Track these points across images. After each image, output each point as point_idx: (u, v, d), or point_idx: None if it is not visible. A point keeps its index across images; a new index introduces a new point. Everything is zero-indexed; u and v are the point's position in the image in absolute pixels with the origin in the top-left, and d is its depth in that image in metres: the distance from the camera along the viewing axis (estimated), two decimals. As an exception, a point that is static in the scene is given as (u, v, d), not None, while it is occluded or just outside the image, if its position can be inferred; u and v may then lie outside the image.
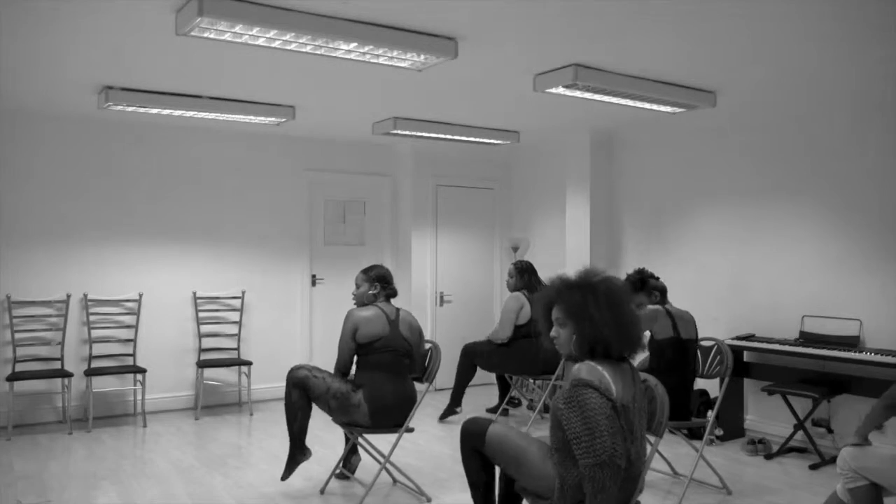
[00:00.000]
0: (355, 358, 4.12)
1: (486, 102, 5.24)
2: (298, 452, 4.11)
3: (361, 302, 4.22)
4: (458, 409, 6.02)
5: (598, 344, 2.53)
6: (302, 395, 4.02)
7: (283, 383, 4.16)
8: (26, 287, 5.76)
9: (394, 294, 4.29)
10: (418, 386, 4.26)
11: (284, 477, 4.16)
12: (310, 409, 4.07)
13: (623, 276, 5.06)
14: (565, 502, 2.52)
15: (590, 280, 2.62)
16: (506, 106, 5.37)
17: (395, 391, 4.01)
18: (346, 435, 4.42)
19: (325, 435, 5.22)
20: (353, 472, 4.46)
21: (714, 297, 5.90)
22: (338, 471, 4.41)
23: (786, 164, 5.48)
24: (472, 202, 7.70)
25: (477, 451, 2.91)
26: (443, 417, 6.00)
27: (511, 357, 5.84)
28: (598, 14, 3.31)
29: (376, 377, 3.99)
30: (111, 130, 6.06)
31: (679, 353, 4.28)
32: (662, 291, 4.49)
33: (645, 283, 4.48)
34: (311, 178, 7.01)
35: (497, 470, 2.96)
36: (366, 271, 4.29)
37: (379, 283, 4.23)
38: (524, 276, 5.96)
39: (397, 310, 4.22)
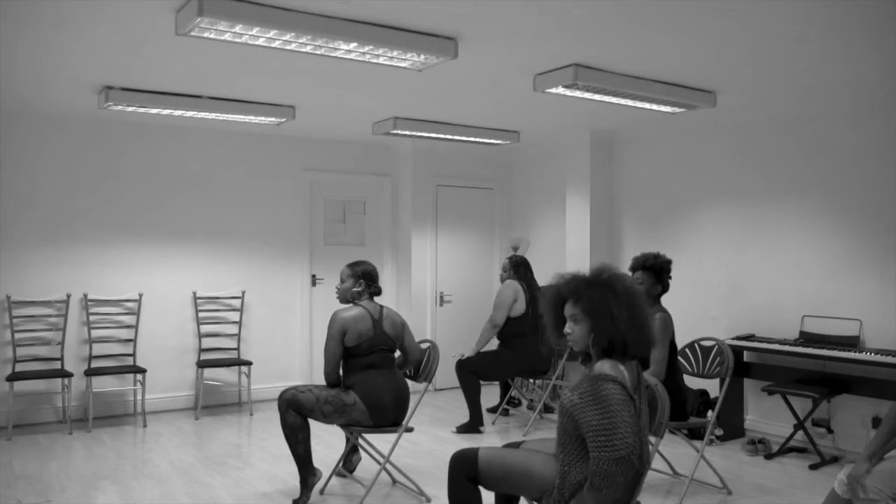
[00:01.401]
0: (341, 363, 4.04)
1: (486, 102, 5.24)
2: (309, 475, 4.00)
3: (345, 298, 4.16)
4: (481, 429, 5.68)
5: (617, 342, 2.53)
6: (297, 414, 3.92)
7: (283, 383, 4.18)
8: (26, 287, 5.76)
9: (378, 292, 4.19)
10: (418, 385, 4.25)
11: (303, 502, 4.00)
12: (308, 427, 3.96)
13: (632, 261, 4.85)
14: (563, 498, 2.52)
15: (606, 277, 2.62)
16: (506, 106, 5.37)
17: (386, 385, 3.99)
18: (346, 435, 4.42)
19: (325, 435, 5.22)
20: (352, 470, 4.45)
21: (714, 297, 5.90)
22: (337, 469, 4.40)
23: (786, 164, 5.48)
24: (472, 202, 7.70)
25: (467, 480, 2.80)
26: (461, 431, 5.67)
27: (513, 360, 5.79)
28: (598, 14, 3.31)
29: (367, 375, 3.98)
30: (111, 130, 6.07)
31: (673, 355, 4.28)
32: (665, 291, 4.43)
33: (661, 273, 4.31)
34: (311, 178, 7.01)
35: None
36: (352, 266, 4.19)
37: (364, 280, 4.15)
38: (519, 269, 5.91)
39: (381, 308, 4.15)
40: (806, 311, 5.30)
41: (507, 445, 3.02)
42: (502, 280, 6.00)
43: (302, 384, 4.06)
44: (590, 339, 2.56)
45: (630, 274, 4.39)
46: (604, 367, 2.52)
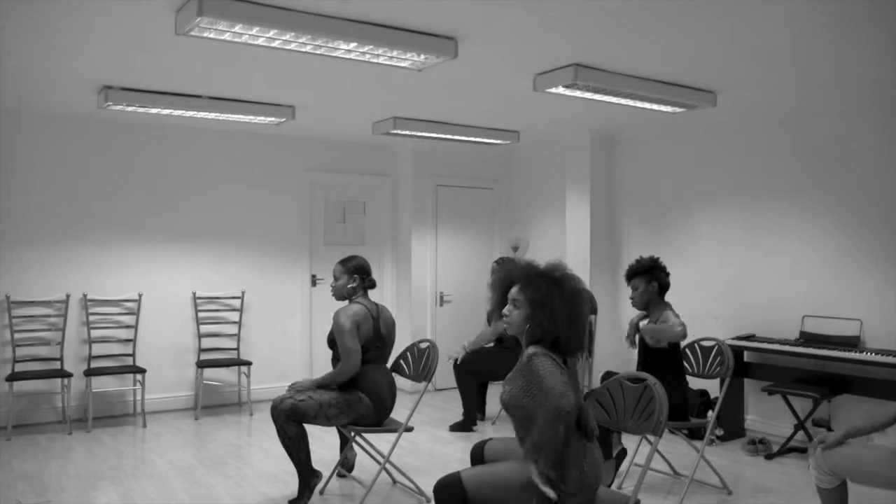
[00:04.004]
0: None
1: (486, 102, 5.24)
2: (312, 477, 4.00)
3: (340, 295, 4.14)
4: (474, 428, 5.71)
5: (550, 336, 2.61)
6: (297, 424, 3.85)
7: (283, 383, 4.16)
8: (26, 287, 5.76)
9: (373, 285, 4.19)
10: (418, 385, 4.26)
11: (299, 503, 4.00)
12: (306, 433, 3.92)
13: (621, 278, 5.11)
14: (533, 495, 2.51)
15: (558, 275, 2.69)
16: (506, 106, 5.36)
17: (384, 379, 4.06)
18: (339, 433, 4.41)
19: (325, 435, 5.21)
20: (350, 468, 4.44)
21: (714, 297, 5.90)
22: (338, 470, 4.40)
23: (786, 163, 5.48)
24: (472, 202, 7.70)
25: None
26: (454, 429, 5.70)
27: (514, 359, 5.76)
28: (598, 14, 3.30)
29: (366, 371, 4.01)
30: (111, 130, 6.06)
31: (678, 356, 4.29)
32: (663, 287, 4.45)
33: (651, 270, 4.42)
34: (311, 178, 7.01)
35: None
36: (343, 263, 4.15)
37: (358, 274, 4.12)
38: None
39: (377, 306, 4.17)
40: (806, 311, 5.29)
41: (476, 446, 2.97)
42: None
43: (294, 388, 3.99)
44: (525, 326, 2.65)
45: (628, 283, 4.52)
46: (530, 349, 2.63)
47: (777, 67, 4.20)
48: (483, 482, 2.63)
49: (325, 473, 4.35)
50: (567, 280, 2.68)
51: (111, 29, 3.56)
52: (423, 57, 3.73)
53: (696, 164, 6.09)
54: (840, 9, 3.21)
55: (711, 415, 4.54)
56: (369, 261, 4.32)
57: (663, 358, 4.25)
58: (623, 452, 4.33)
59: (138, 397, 6.07)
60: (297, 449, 3.89)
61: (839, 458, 3.03)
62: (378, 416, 4.01)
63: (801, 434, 5.05)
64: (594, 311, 6.10)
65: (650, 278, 4.44)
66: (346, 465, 4.44)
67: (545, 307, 2.61)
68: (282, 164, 6.85)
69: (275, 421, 3.87)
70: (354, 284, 4.13)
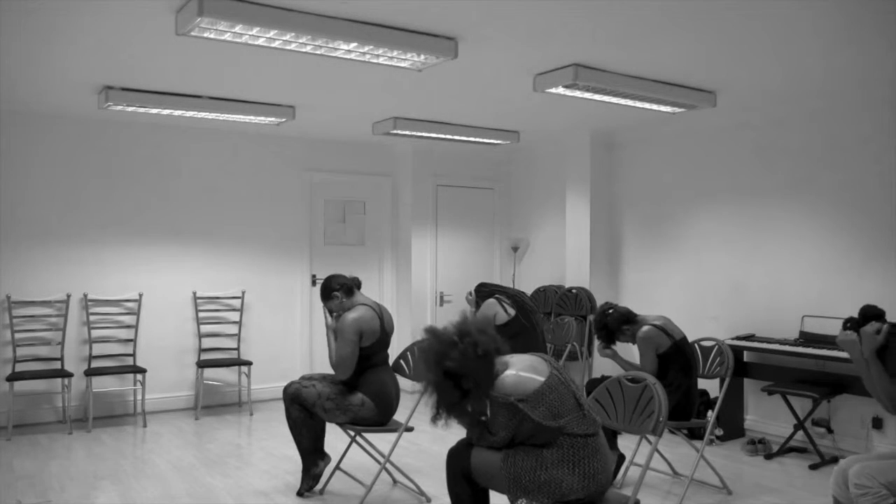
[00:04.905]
0: None
1: (486, 102, 5.24)
2: (311, 465, 4.13)
3: (346, 309, 4.18)
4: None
5: (486, 381, 2.64)
6: (301, 409, 4.03)
7: (283, 383, 4.21)
8: (26, 287, 5.76)
9: (358, 284, 4.26)
10: (418, 385, 4.26)
11: (301, 491, 4.15)
12: (311, 420, 4.06)
13: (621, 279, 5.07)
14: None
15: (430, 380, 2.74)
16: (506, 106, 5.37)
17: (390, 381, 4.12)
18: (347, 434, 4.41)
19: (328, 436, 5.20)
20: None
21: (714, 296, 5.90)
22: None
23: (786, 163, 5.48)
24: (472, 202, 7.70)
25: (463, 476, 2.81)
26: None
27: (519, 350, 5.68)
28: (598, 14, 3.31)
29: (373, 374, 4.05)
30: (111, 130, 6.07)
31: (681, 355, 4.28)
32: (623, 322, 4.37)
33: (604, 329, 4.37)
34: (311, 178, 7.01)
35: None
36: (325, 296, 4.17)
37: (342, 289, 4.17)
38: (481, 292, 5.43)
39: (379, 305, 4.22)
40: (806, 311, 5.29)
41: (462, 449, 2.94)
42: (470, 303, 5.54)
43: (308, 375, 4.16)
44: (485, 402, 2.67)
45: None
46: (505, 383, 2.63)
47: (778, 67, 4.20)
48: (488, 461, 2.74)
49: (325, 474, 4.36)
50: (431, 353, 2.72)
51: (111, 29, 3.56)
52: (423, 57, 3.73)
53: (696, 164, 6.09)
54: (843, 7, 3.22)
55: (711, 415, 4.53)
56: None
57: (667, 358, 4.25)
58: (621, 458, 4.32)
59: (139, 397, 6.07)
60: (299, 433, 4.05)
61: (870, 471, 2.75)
62: (383, 418, 4.06)
63: (800, 434, 5.05)
64: (593, 310, 6.10)
65: (611, 336, 4.37)
66: (315, 478, 4.25)
67: (466, 389, 2.64)
68: (282, 164, 6.85)
69: (284, 402, 4.07)
70: (349, 296, 4.16)
